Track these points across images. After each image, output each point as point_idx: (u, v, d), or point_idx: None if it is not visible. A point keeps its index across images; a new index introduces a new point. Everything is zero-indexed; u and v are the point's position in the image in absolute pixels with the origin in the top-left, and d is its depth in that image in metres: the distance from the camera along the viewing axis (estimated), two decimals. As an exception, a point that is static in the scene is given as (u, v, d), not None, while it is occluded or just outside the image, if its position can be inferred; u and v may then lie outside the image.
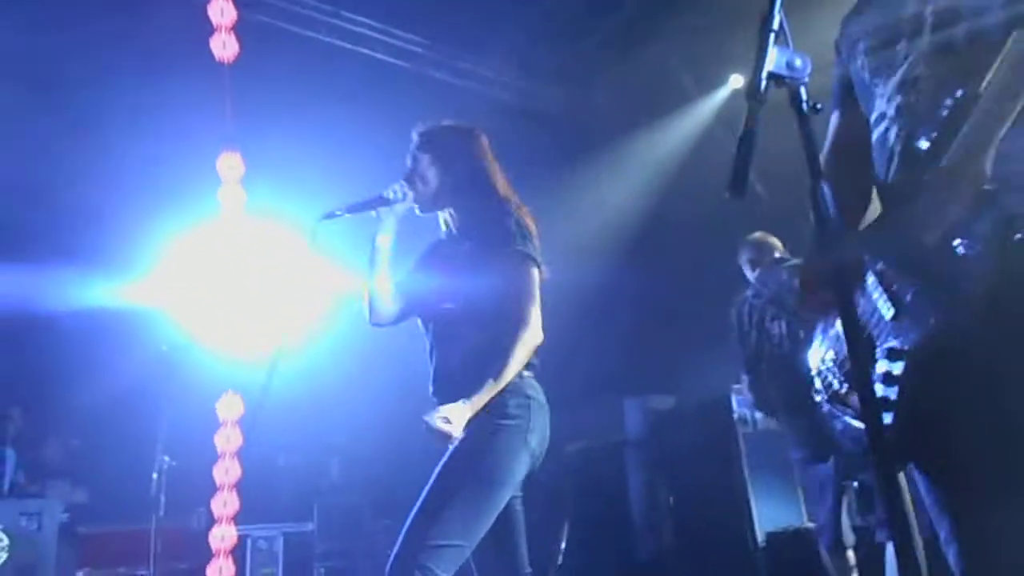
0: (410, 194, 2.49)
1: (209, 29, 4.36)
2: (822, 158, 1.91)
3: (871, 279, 1.63)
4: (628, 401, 5.51)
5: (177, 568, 4.74)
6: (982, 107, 1.46)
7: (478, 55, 6.60)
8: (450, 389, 2.26)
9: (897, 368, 1.54)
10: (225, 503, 3.73)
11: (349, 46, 5.99)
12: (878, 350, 1.59)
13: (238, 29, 4.47)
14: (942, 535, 1.55)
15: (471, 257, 2.38)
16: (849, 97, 1.84)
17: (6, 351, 4.82)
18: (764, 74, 1.36)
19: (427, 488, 2.14)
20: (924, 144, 1.56)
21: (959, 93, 1.50)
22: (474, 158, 2.51)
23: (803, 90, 1.38)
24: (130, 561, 4.81)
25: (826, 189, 1.86)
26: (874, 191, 1.86)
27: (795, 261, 3.97)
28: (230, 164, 3.90)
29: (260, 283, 4.62)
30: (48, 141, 4.70)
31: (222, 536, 3.63)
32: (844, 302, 1.31)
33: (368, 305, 2.52)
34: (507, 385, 2.21)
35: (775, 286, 3.92)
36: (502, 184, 2.51)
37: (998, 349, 1.42)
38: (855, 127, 1.85)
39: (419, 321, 2.52)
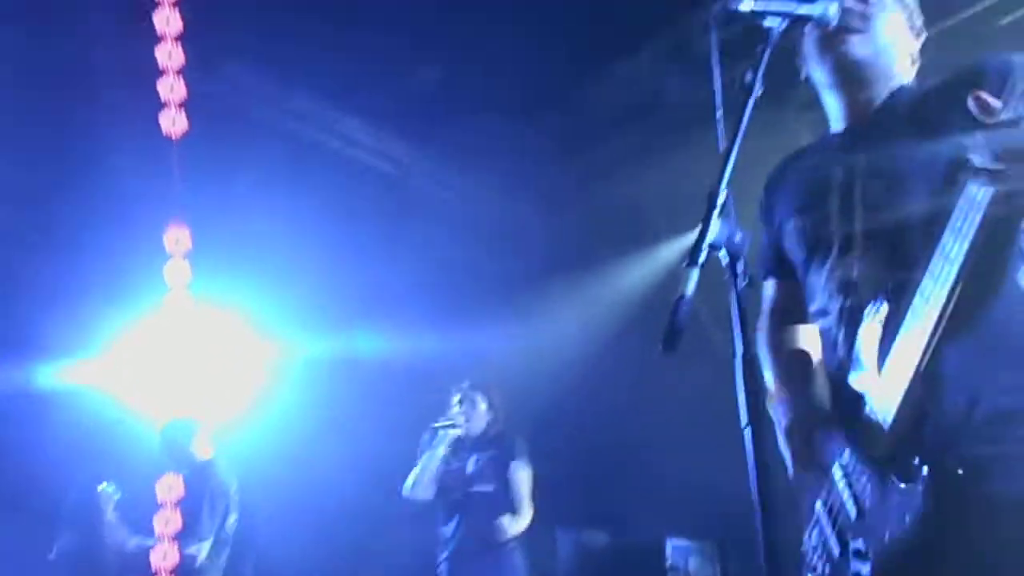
0: (467, 423, 4.44)
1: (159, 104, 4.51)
2: (763, 326, 1.99)
3: (837, 471, 1.68)
4: (561, 531, 5.42)
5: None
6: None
7: (462, 169, 6.77)
8: None
9: (865, 569, 1.59)
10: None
11: (336, 143, 6.13)
12: (849, 546, 1.64)
13: (212, 106, 4.65)
14: None
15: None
16: (783, 267, 1.93)
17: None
18: (705, 243, 1.45)
19: None
20: (865, 354, 1.63)
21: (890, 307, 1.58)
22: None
23: (740, 263, 1.47)
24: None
25: (766, 357, 1.94)
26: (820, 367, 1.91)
27: None
28: (177, 239, 3.97)
29: (200, 360, 4.59)
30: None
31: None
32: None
33: (414, 484, 4.38)
34: None
35: None
36: None
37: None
38: (793, 298, 1.94)
39: None
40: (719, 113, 1.52)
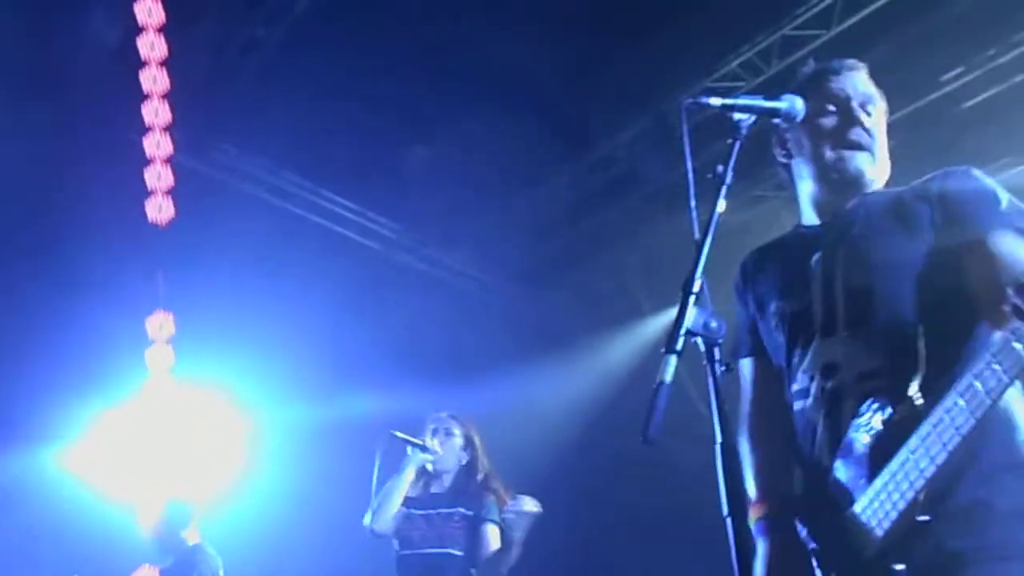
0: (440, 454, 3.88)
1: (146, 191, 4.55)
2: (744, 409, 1.97)
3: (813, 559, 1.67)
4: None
5: None
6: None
7: (447, 245, 6.81)
8: None
9: None
10: None
11: (323, 221, 6.18)
12: None
13: (198, 185, 4.69)
14: None
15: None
16: (762, 348, 1.93)
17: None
18: (682, 331, 1.45)
19: None
20: (860, 448, 1.62)
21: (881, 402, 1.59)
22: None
23: (717, 350, 1.48)
24: None
25: (744, 445, 1.91)
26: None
27: None
28: (160, 324, 3.96)
29: (182, 443, 4.50)
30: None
31: None
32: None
33: (376, 511, 3.73)
34: None
35: None
36: None
37: None
38: (774, 378, 1.93)
39: None
40: (692, 202, 1.54)
